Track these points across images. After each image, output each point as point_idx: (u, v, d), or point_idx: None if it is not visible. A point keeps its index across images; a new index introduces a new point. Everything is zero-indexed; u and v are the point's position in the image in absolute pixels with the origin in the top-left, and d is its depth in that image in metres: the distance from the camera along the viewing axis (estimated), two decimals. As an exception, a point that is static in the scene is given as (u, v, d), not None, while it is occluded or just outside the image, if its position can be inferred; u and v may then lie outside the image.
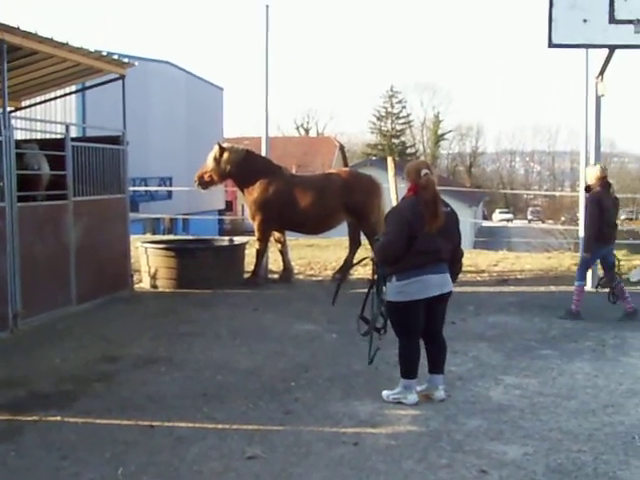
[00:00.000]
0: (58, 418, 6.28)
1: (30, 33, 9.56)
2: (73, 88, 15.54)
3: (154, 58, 40.00)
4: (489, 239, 41.37)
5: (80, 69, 11.95)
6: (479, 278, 14.16)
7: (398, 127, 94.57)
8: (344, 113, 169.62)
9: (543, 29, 10.83)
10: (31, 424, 6.17)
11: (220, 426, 6.09)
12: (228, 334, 9.44)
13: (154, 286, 12.92)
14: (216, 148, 13.37)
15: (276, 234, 13.67)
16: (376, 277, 6.99)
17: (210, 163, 13.40)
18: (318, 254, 17.44)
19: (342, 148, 76.87)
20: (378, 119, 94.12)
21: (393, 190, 14.58)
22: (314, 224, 13.39)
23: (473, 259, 16.37)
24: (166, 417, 6.30)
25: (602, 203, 10.48)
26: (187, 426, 6.10)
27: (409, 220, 6.47)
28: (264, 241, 13.41)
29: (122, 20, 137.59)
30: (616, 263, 10.96)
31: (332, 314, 9.97)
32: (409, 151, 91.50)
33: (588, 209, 10.68)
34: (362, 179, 13.66)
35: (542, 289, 12.97)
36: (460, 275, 7.34)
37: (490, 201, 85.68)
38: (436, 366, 6.84)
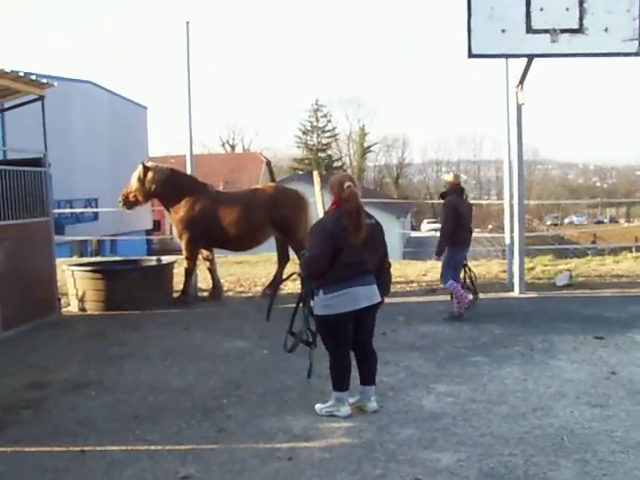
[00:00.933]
0: (-15, 449, 6.15)
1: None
2: (-9, 110, 15.27)
3: (76, 78, 39.59)
4: (418, 249, 41.64)
5: (-4, 90, 11.73)
6: (408, 288, 14.27)
7: (324, 141, 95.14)
8: (270, 128, 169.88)
9: (463, 40, 11.03)
10: (-43, 456, 6.02)
11: (153, 447, 6.03)
12: (158, 354, 9.35)
13: (82, 309, 12.73)
14: (140, 168, 13.27)
15: (204, 252, 13.62)
16: (304, 292, 7.01)
17: (134, 183, 13.28)
18: (247, 270, 17.40)
19: (269, 163, 76.98)
20: (304, 133, 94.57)
21: (320, 204, 14.62)
22: (241, 240, 13.34)
23: (402, 269, 16.51)
24: (98, 441, 6.21)
25: (458, 209, 10.86)
26: (119, 449, 6.02)
27: (333, 233, 6.47)
28: (192, 259, 13.34)
29: (43, 41, 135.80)
30: (465, 269, 11.41)
31: (263, 330, 9.96)
32: (336, 164, 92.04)
33: (444, 214, 10.98)
34: (288, 194, 13.68)
35: (470, 297, 13.02)
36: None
37: (418, 211, 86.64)
38: (367, 377, 6.86)
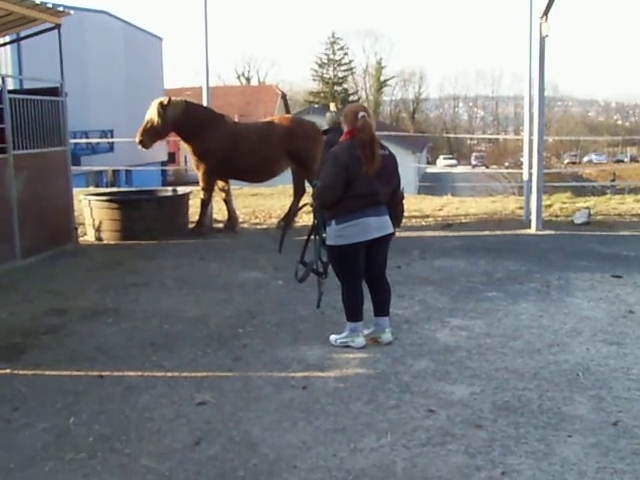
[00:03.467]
0: (8, 371, 6.27)
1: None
2: (7, 39, 15.19)
3: (90, 8, 39.20)
4: (433, 184, 41.49)
5: (13, 19, 11.59)
6: (424, 223, 14.23)
7: (340, 74, 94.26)
8: (285, 61, 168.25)
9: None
10: (-21, 378, 6.14)
11: (169, 374, 6.12)
12: (174, 283, 9.44)
13: (99, 238, 12.83)
14: (154, 104, 13.08)
15: (220, 183, 13.61)
16: (316, 222, 7.04)
17: (151, 119, 13.08)
18: (262, 202, 17.44)
19: (284, 96, 76.38)
20: (320, 66, 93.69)
21: (336, 137, 14.56)
22: (258, 172, 13.35)
23: (417, 204, 16.50)
24: (115, 367, 6.32)
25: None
26: (136, 375, 6.12)
27: (346, 163, 6.41)
28: (209, 190, 13.34)
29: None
30: None
31: (277, 261, 9.99)
32: (352, 98, 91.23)
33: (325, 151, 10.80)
34: (305, 125, 13.61)
35: (487, 232, 13.05)
36: (405, 220, 7.36)
37: (434, 147, 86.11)
38: (381, 309, 6.89)
